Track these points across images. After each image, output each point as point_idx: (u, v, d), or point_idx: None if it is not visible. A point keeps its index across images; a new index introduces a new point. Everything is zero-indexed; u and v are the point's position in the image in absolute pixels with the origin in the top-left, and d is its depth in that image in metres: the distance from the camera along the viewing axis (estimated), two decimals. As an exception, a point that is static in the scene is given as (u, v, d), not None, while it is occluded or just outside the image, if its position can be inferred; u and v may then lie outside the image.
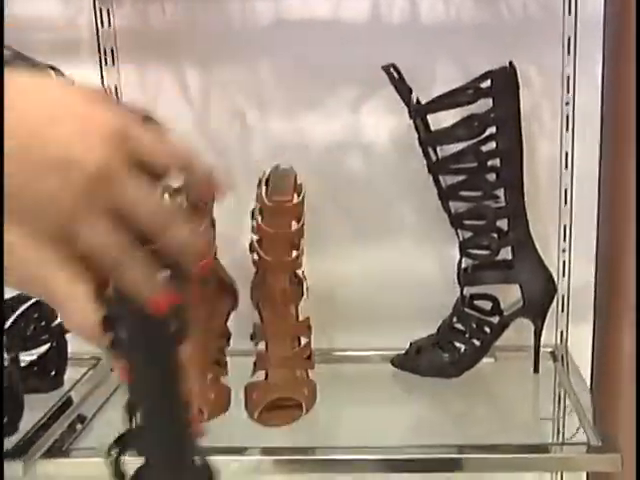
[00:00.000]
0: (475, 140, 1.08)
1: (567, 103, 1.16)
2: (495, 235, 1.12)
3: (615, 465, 0.91)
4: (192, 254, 0.44)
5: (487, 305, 1.16)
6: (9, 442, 0.98)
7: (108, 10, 1.16)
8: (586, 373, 1.25)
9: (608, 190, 1.19)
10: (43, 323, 1.14)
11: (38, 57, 1.00)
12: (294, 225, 1.04)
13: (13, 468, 0.94)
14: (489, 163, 1.10)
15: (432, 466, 0.97)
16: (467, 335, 1.14)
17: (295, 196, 1.05)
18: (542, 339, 1.15)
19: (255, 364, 1.07)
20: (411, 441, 0.99)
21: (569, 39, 1.14)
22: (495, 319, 1.14)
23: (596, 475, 1.32)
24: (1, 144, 0.39)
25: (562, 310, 1.24)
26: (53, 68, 0.99)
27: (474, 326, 1.14)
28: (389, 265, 1.22)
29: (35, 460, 0.95)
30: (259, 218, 1.03)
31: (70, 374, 1.17)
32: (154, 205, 0.42)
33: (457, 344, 1.14)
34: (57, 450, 0.98)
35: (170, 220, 0.43)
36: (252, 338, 1.09)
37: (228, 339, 1.11)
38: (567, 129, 1.18)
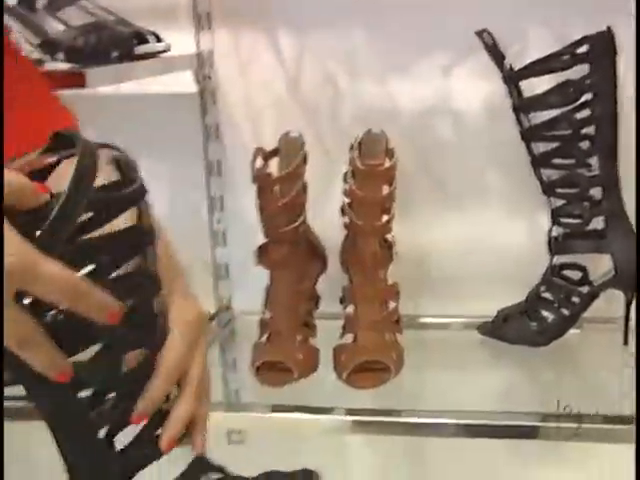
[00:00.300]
0: (569, 107, 1.07)
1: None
2: (587, 204, 1.10)
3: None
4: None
5: (576, 275, 1.14)
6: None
7: (204, -24, 1.17)
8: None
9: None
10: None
11: (138, 23, 1.03)
12: (385, 189, 1.05)
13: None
14: (583, 131, 1.08)
15: (515, 433, 0.98)
16: (555, 304, 1.13)
17: (387, 160, 1.06)
18: (632, 311, 1.14)
19: (344, 327, 1.09)
20: (496, 408, 0.99)
21: (669, 3, 1.11)
22: (584, 289, 1.13)
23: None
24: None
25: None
26: (153, 34, 1.02)
27: (562, 296, 1.13)
28: (478, 232, 1.21)
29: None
30: (351, 181, 1.04)
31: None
32: (24, 338, 0.48)
33: (545, 313, 1.13)
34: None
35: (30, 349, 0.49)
36: (341, 301, 1.10)
37: (317, 302, 1.13)
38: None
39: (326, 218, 1.14)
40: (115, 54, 0.94)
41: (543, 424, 0.95)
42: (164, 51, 1.04)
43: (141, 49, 0.97)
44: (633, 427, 0.95)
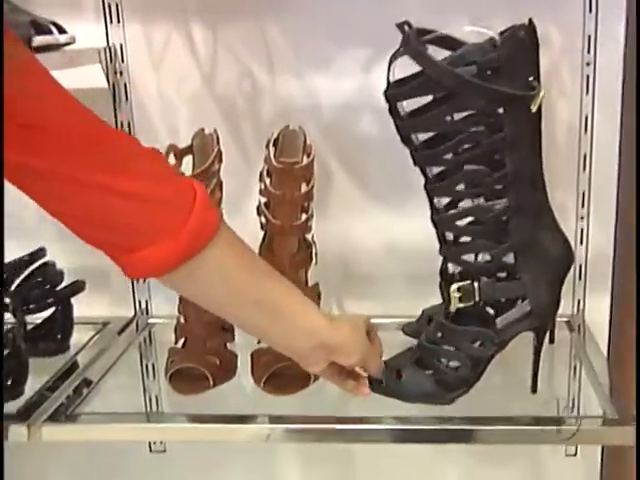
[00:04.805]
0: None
1: (588, 63, 1.12)
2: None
3: (629, 439, 0.88)
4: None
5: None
6: (13, 405, 0.96)
7: (113, -35, 1.12)
8: (603, 343, 1.22)
9: (629, 156, 1.15)
10: (48, 286, 1.12)
11: (38, 11, 0.97)
12: (303, 187, 1.01)
13: (17, 432, 0.92)
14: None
15: (444, 437, 0.94)
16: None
17: (304, 157, 1.02)
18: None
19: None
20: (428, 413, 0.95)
21: (590, -4, 1.10)
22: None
23: (611, 449, 1.30)
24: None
25: (579, 279, 1.21)
26: (55, 24, 0.97)
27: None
28: (400, 229, 1.19)
29: (40, 424, 0.93)
30: (267, 180, 1.00)
31: (76, 338, 1.15)
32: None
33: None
34: (62, 414, 0.96)
35: None
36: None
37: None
38: (587, 92, 1.13)
39: (243, 217, 1.10)
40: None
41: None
42: (68, 43, 0.98)
43: (40, 40, 0.91)
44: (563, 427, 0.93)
